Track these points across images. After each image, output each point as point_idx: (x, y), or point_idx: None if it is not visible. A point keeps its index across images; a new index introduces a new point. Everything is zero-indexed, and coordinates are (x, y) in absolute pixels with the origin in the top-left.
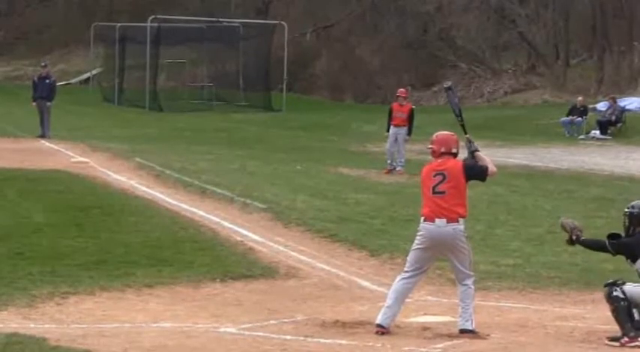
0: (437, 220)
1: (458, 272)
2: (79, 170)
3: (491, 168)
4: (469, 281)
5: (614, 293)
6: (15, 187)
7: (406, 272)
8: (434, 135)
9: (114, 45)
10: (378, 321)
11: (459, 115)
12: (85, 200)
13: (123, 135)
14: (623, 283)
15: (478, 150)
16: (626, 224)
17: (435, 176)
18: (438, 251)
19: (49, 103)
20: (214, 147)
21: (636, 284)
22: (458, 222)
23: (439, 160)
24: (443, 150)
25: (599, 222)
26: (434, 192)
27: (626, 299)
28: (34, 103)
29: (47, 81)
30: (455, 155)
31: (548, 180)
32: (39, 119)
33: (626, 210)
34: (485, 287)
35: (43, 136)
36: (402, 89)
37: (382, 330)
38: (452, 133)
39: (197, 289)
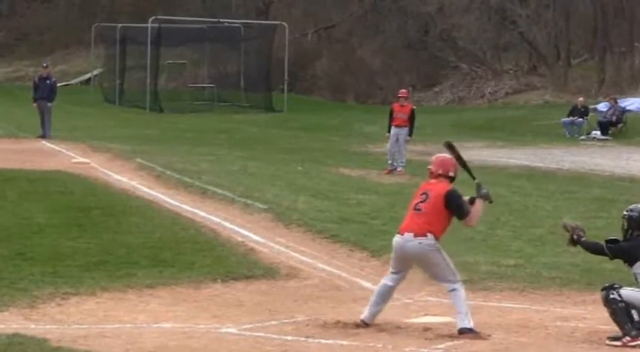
0: (405, 234)
1: (440, 282)
2: (80, 171)
3: (473, 219)
4: (456, 286)
5: (611, 296)
6: (16, 188)
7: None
8: (433, 157)
9: (115, 45)
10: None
11: (465, 166)
12: (86, 201)
13: (124, 135)
14: (620, 287)
15: (481, 197)
16: (625, 227)
17: (421, 194)
18: (408, 263)
19: (49, 104)
20: (215, 147)
21: (633, 289)
22: (426, 236)
23: (432, 181)
24: (440, 172)
25: (600, 223)
26: (414, 209)
27: (623, 300)
28: (34, 104)
29: (48, 81)
30: (452, 179)
31: (549, 181)
32: (39, 120)
33: (625, 212)
34: (487, 287)
35: (43, 137)
36: (403, 90)
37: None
38: (451, 157)
39: (198, 290)
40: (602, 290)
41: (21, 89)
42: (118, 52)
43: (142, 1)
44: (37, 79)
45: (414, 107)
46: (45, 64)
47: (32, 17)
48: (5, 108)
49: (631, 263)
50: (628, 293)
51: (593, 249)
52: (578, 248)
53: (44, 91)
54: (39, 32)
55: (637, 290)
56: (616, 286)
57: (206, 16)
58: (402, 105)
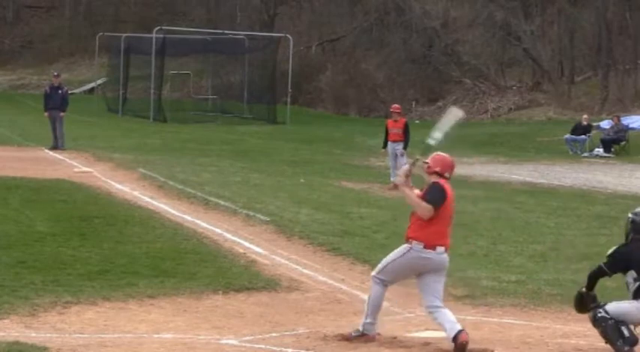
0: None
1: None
2: (83, 180)
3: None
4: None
5: (599, 315)
6: (19, 196)
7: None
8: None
9: (119, 55)
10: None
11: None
12: (88, 210)
13: (127, 145)
14: (605, 304)
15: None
16: (628, 229)
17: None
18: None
19: (61, 114)
20: (218, 158)
21: (618, 302)
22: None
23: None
24: (437, 170)
25: (602, 240)
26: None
27: (612, 317)
28: (46, 114)
29: (60, 91)
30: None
31: (552, 197)
32: (51, 130)
33: (630, 215)
34: (488, 303)
35: (56, 148)
36: (395, 105)
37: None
38: (450, 158)
39: (199, 300)
40: (589, 310)
41: (24, 97)
42: (122, 61)
43: (146, 12)
44: (48, 89)
45: (407, 120)
46: (56, 73)
47: (37, 25)
48: (9, 116)
49: (625, 270)
50: (613, 307)
51: (594, 276)
52: (578, 265)
53: (56, 101)
54: (43, 40)
55: (621, 302)
56: (601, 304)
57: (210, 27)
58: (396, 121)
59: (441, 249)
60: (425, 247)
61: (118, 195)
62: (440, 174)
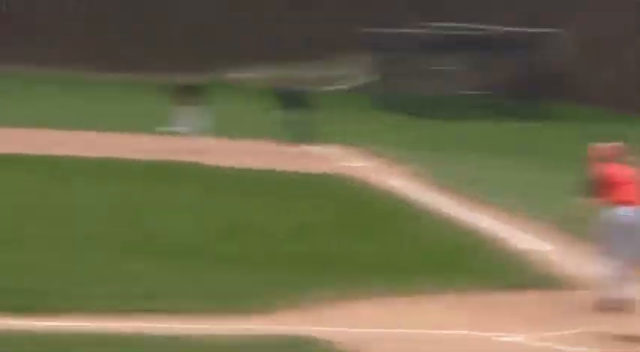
0: None
1: None
2: (353, 174)
3: None
4: None
5: None
6: (286, 191)
7: None
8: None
9: (381, 51)
10: None
11: None
12: (360, 204)
13: (395, 141)
14: None
15: None
16: None
17: None
18: None
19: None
20: (491, 156)
21: None
22: None
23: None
24: None
25: None
26: None
27: None
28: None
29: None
30: None
31: None
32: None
33: None
34: None
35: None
36: None
37: None
38: None
39: (475, 296)
40: None
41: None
42: (385, 58)
43: (405, 7)
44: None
45: None
46: None
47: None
48: None
49: None
50: None
51: None
52: None
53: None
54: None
55: None
56: None
57: (472, 22)
58: None
59: None
60: None
61: (391, 190)
62: None
